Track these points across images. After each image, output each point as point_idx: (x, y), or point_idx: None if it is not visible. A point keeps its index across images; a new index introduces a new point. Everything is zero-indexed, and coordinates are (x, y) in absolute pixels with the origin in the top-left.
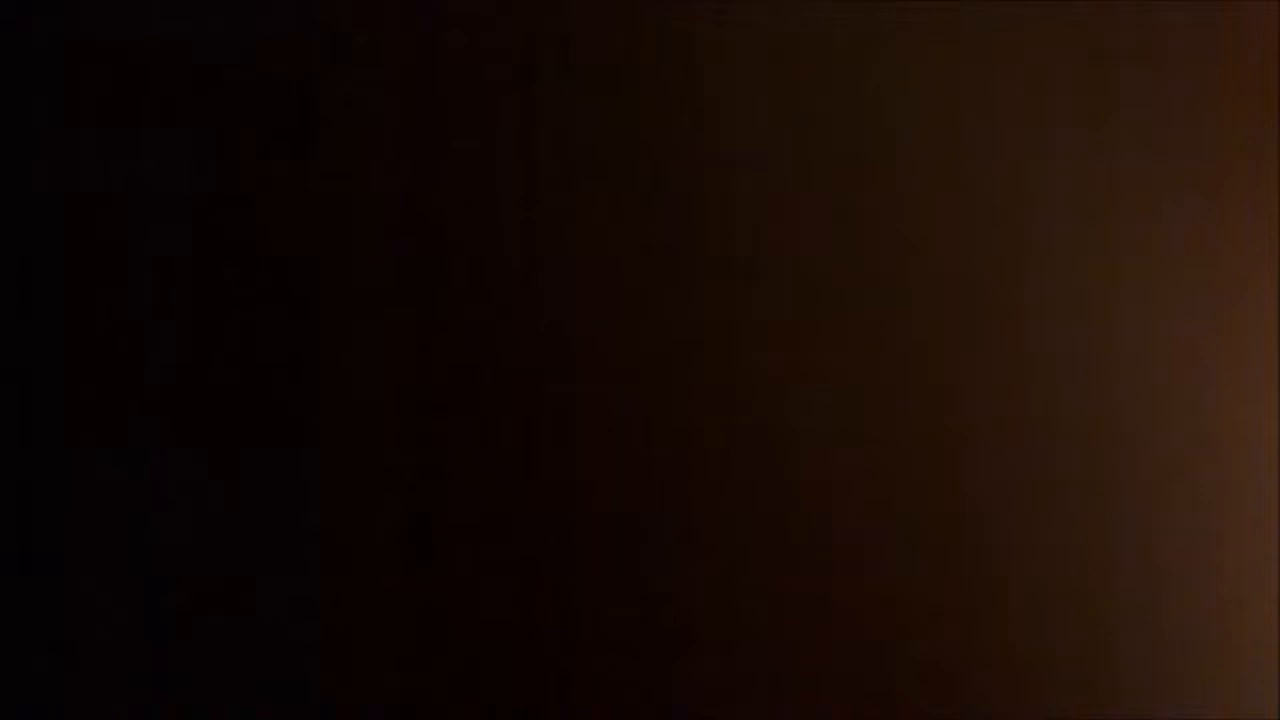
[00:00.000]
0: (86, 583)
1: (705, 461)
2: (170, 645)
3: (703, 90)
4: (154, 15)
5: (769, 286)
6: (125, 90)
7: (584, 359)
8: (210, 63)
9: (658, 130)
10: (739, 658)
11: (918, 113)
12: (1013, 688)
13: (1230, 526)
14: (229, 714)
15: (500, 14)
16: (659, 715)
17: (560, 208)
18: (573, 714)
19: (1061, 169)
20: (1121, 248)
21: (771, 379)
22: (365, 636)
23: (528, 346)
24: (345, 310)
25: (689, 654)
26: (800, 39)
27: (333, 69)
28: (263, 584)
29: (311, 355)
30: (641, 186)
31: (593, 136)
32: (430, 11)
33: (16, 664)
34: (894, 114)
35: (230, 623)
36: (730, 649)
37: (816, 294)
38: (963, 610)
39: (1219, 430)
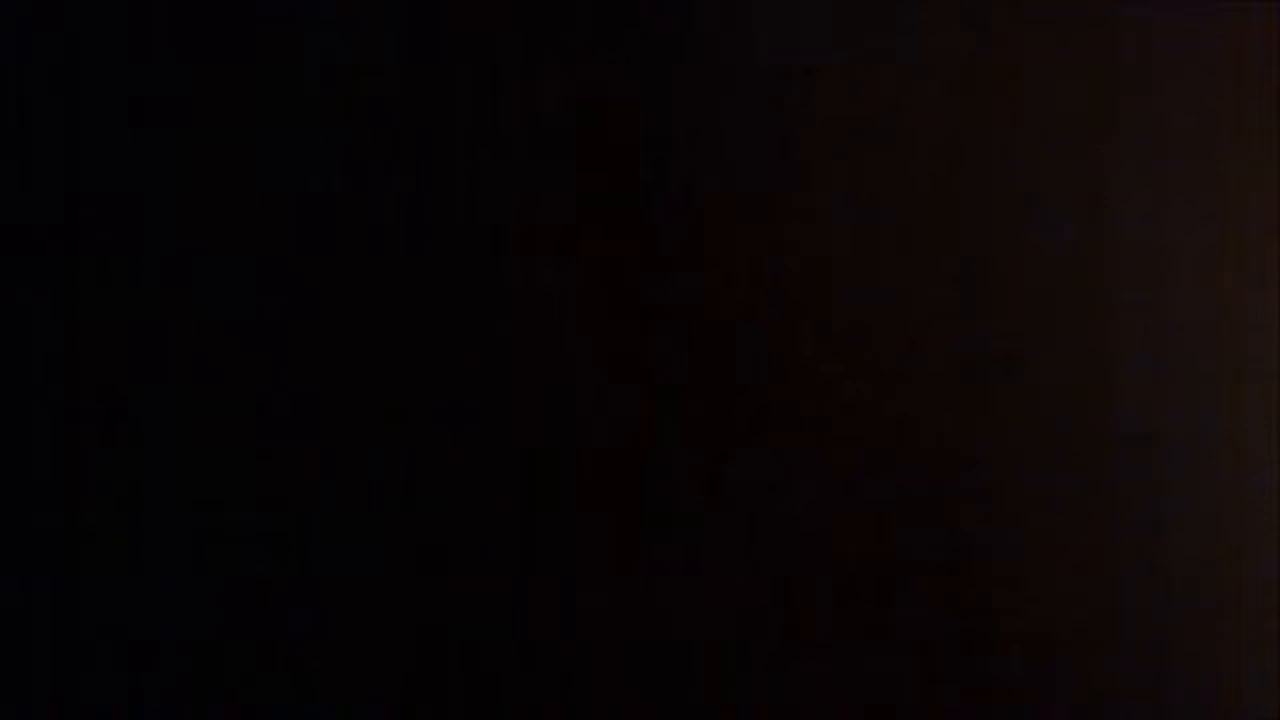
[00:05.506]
0: (86, 582)
1: (704, 462)
2: (170, 645)
3: (703, 93)
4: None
5: (770, 289)
6: (125, 89)
7: (594, 361)
8: (204, 60)
9: (657, 128)
10: (749, 659)
11: (923, 115)
12: (1014, 688)
13: (1231, 526)
14: (229, 714)
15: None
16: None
17: (560, 206)
18: (573, 715)
19: (1063, 170)
20: (1122, 247)
21: (772, 381)
22: (366, 637)
23: (528, 346)
24: (344, 310)
25: (693, 655)
26: (808, 52)
27: (330, 67)
28: (263, 584)
29: (312, 355)
30: (642, 186)
31: (590, 136)
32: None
33: (16, 664)
34: (901, 117)
35: (230, 622)
36: (741, 651)
37: (817, 293)
38: (963, 610)
39: (1220, 431)
